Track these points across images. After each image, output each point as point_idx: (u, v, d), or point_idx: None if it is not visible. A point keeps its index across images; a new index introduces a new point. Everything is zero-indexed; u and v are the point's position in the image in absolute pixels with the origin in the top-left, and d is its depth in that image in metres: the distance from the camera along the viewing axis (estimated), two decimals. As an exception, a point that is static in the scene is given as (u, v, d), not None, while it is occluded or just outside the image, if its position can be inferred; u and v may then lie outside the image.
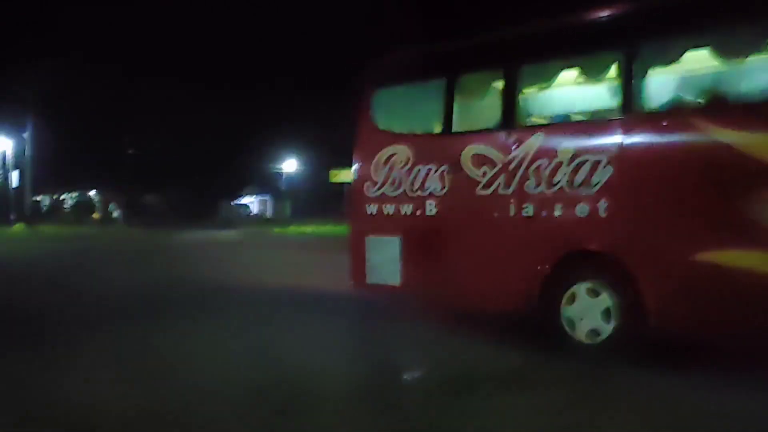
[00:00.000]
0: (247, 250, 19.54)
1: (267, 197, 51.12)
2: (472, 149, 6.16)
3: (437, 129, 6.63)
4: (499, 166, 5.91)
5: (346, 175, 48.04)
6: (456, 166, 6.26)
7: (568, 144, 5.51)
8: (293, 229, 35.03)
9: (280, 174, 49.40)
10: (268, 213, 49.49)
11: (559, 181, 5.52)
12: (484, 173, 6.03)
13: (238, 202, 50.37)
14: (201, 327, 6.72)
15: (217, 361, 5.35)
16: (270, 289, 9.69)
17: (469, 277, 6.20)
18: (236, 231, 32.18)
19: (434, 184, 6.45)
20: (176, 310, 7.78)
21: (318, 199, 45.22)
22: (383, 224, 6.90)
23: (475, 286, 6.17)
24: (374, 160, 6.97)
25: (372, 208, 6.99)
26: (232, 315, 7.53)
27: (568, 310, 5.50)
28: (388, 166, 6.85)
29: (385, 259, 6.85)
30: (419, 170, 6.58)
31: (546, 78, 5.97)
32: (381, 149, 6.94)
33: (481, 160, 6.06)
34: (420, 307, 6.73)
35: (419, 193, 6.57)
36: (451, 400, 4.38)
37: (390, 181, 6.82)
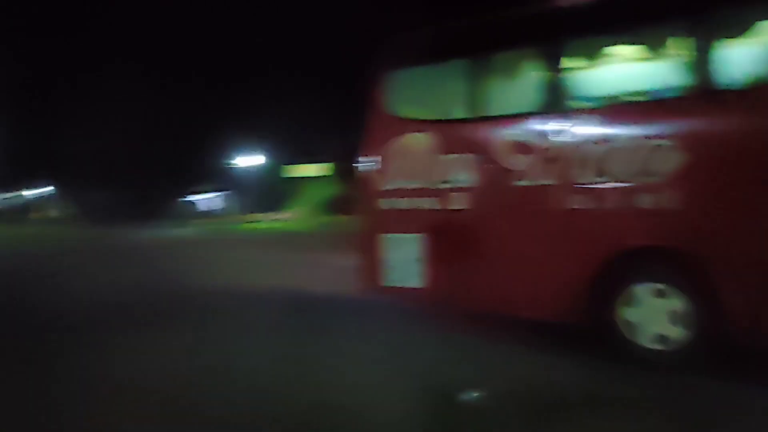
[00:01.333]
0: (210, 249, 18.54)
1: (220, 193, 49.66)
2: (507, 135, 5.52)
3: (464, 114, 5.93)
4: (541, 153, 5.27)
5: (300, 171, 47.30)
6: (488, 155, 5.60)
7: (626, 128, 4.89)
8: (248, 225, 34.07)
9: (234, 169, 48.04)
10: (222, 209, 48.08)
11: (614, 170, 4.93)
12: (523, 162, 5.38)
13: (191, 199, 48.82)
14: (208, 337, 5.91)
15: (248, 378, 4.59)
16: (260, 291, 8.86)
17: (504, 278, 5.57)
18: (191, 228, 30.96)
19: (462, 175, 5.79)
20: (176, 319, 6.92)
21: (272, 195, 44.11)
22: (401, 220, 6.21)
23: (510, 289, 5.55)
24: (389, 150, 6.27)
25: (387, 203, 6.29)
26: (239, 322, 6.72)
27: (627, 314, 4.92)
28: (406, 156, 6.16)
29: (404, 260, 6.17)
30: (444, 160, 5.92)
31: (595, 54, 5.39)
32: (397, 138, 6.25)
33: (518, 147, 5.41)
34: (445, 312, 6.05)
35: (444, 185, 5.90)
36: (535, 426, 3.70)
37: (409, 172, 6.14)
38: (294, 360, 5.10)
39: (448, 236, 5.92)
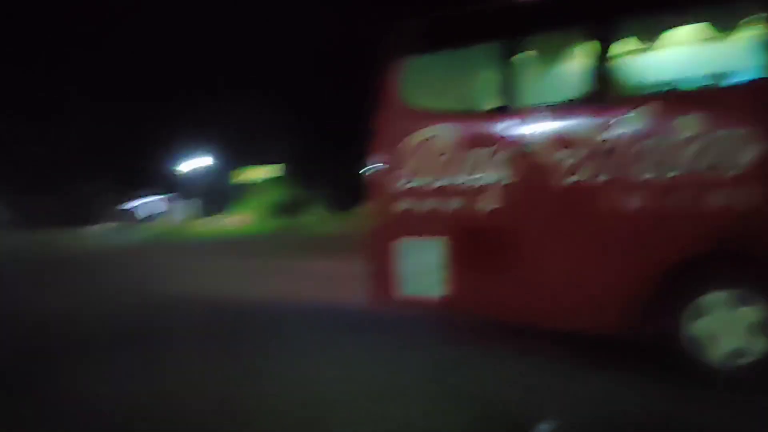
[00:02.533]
0: (165, 256, 17.50)
1: (164, 197, 47.94)
2: (549, 127, 4.88)
3: (496, 104, 5.29)
4: (591, 147, 4.69)
5: (249, 173, 46.03)
6: (526, 150, 4.96)
7: (694, 116, 4.32)
8: (198, 230, 32.88)
9: (180, 173, 46.49)
10: (166, 213, 46.42)
11: (680, 164, 4.37)
12: (568, 157, 4.79)
13: (134, 203, 46.94)
14: (209, 359, 5.12)
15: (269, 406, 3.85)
16: (240, 303, 8.07)
17: (543, 287, 4.98)
18: (135, 234, 29.60)
19: (494, 173, 5.16)
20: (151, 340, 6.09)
21: (221, 198, 42.83)
22: (420, 224, 5.55)
23: (550, 299, 4.95)
24: (405, 146, 5.59)
25: (403, 205, 5.62)
26: (232, 343, 5.94)
27: (695, 326, 4.34)
28: (425, 152, 5.49)
29: (423, 267, 5.51)
30: (472, 155, 5.27)
31: (657, 33, 4.79)
32: (415, 132, 5.59)
33: (562, 140, 4.81)
34: (473, 325, 5.41)
35: (473, 183, 5.24)
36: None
37: (429, 170, 5.48)
38: (320, 395, 4.37)
39: (476, 240, 5.29)
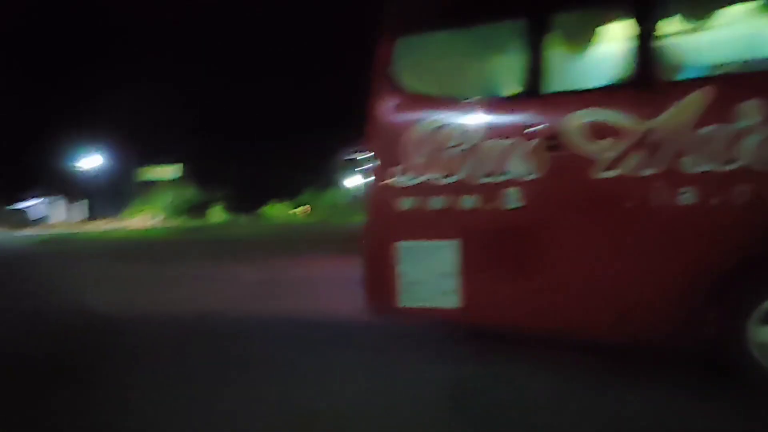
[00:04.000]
0: (65, 263, 15.97)
1: (60, 198, 44.89)
2: (583, 116, 4.37)
3: (518, 89, 4.71)
4: (634, 137, 4.18)
5: (150, 174, 43.88)
6: (556, 140, 4.42)
7: (754, 102, 3.90)
8: (99, 233, 30.86)
9: (78, 172, 43.58)
10: (63, 216, 43.43)
11: (743, 154, 3.90)
12: (607, 148, 4.28)
13: (26, 205, 43.59)
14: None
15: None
16: (179, 317, 7.13)
17: (577, 293, 4.44)
18: (27, 237, 27.36)
19: (517, 166, 4.59)
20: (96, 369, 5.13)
21: (122, 198, 40.50)
22: (425, 225, 4.92)
23: (586, 307, 4.41)
24: (408, 137, 4.94)
25: (406, 203, 4.97)
26: (190, 367, 5.07)
27: (764, 334, 3.92)
28: (432, 145, 4.87)
29: (432, 274, 4.89)
30: (490, 148, 4.68)
31: (709, 10, 4.34)
32: (419, 121, 4.92)
33: (599, 130, 4.30)
34: (486, 337, 4.84)
35: (491, 179, 4.67)
36: None
37: (437, 164, 4.85)
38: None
39: (496, 243, 4.71)
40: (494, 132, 4.69)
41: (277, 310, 7.24)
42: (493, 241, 4.72)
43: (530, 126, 4.57)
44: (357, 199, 51.78)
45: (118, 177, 41.42)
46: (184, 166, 47.60)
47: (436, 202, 4.88)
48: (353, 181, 52.16)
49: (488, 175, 4.70)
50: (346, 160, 50.74)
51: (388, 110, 5.05)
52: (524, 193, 4.59)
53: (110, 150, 41.45)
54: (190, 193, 48.67)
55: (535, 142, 4.53)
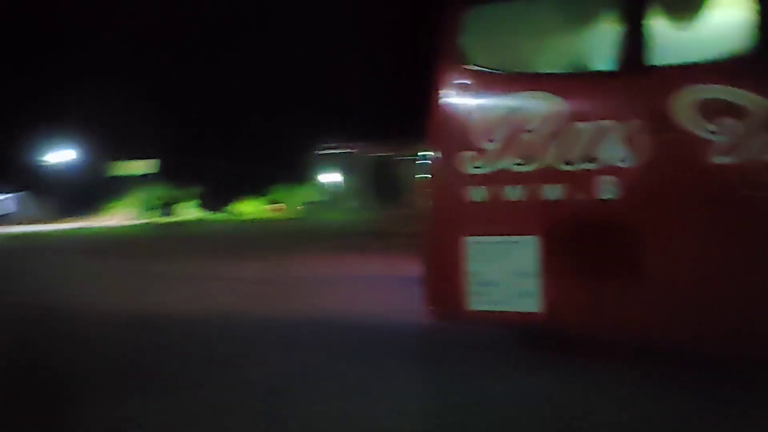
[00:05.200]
0: (50, 261, 15.09)
1: (30, 194, 43.35)
2: (697, 93, 3.81)
3: (612, 64, 4.15)
4: (758, 117, 3.64)
5: (123, 169, 42.64)
6: (661, 121, 3.86)
7: None
8: (72, 229, 29.76)
9: (48, 167, 42.08)
10: (32, 212, 41.95)
11: None
12: (725, 130, 3.71)
13: (-7, 200, 42.05)
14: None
15: None
16: (200, 319, 6.44)
17: (690, 299, 3.88)
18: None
19: (612, 152, 4.02)
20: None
21: (95, 195, 39.23)
22: (502, 218, 4.34)
23: (702, 315, 3.87)
24: (480, 120, 4.33)
25: (477, 194, 4.37)
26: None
27: None
28: (509, 127, 4.26)
29: (508, 273, 4.32)
30: (579, 130, 4.08)
31: None
32: (494, 102, 4.33)
33: (717, 109, 3.74)
34: (578, 345, 4.28)
35: (580, 166, 4.08)
36: None
37: (515, 149, 4.27)
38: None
39: (583, 238, 4.14)
40: (584, 112, 4.11)
41: (299, 312, 6.62)
42: (581, 236, 4.17)
43: (627, 106, 3.98)
44: (332, 195, 51.07)
45: (90, 172, 40.08)
46: (157, 162, 46.48)
47: (513, 193, 4.31)
48: (328, 177, 51.46)
49: (576, 162, 4.13)
50: (320, 155, 50.00)
51: (455, 91, 4.45)
52: (620, 183, 4.04)
53: (81, 144, 40.10)
54: (164, 189, 47.55)
55: (634, 123, 3.96)
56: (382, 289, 8.19)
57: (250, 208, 54.72)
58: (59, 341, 5.53)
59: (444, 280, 4.57)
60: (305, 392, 4.09)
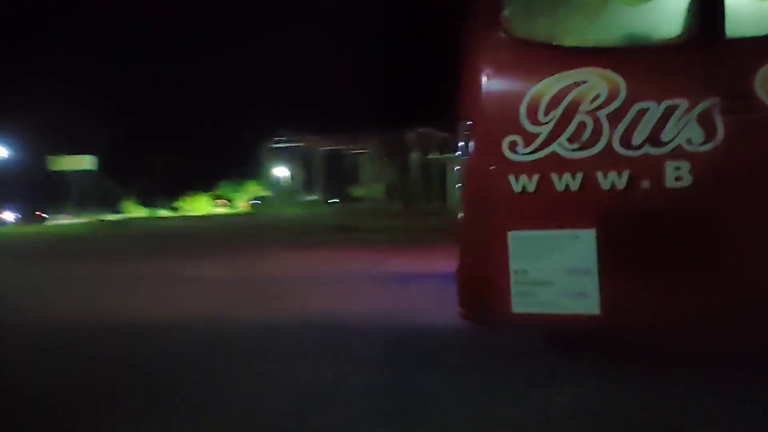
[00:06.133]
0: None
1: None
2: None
3: (681, 34, 3.69)
4: None
5: (69, 164, 40.81)
6: (742, 100, 3.43)
7: None
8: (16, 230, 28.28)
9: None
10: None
11: None
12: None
13: None
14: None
15: None
16: (199, 325, 5.77)
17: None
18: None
19: (684, 134, 3.55)
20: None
21: (31, 191, 37.37)
22: (553, 209, 3.89)
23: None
24: (527, 99, 3.83)
25: (523, 183, 3.87)
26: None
27: None
28: (562, 107, 3.76)
29: (560, 271, 3.83)
30: (643, 110, 3.61)
31: None
32: (543, 78, 3.81)
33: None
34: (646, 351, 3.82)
35: (645, 150, 3.63)
36: None
37: (569, 132, 3.76)
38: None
39: (649, 231, 3.67)
40: (649, 90, 3.63)
41: (291, 314, 6.00)
42: (648, 229, 3.67)
43: (705, 82, 3.53)
44: (283, 189, 50.05)
45: (29, 168, 38.19)
46: (98, 158, 44.78)
47: (567, 181, 3.81)
48: (279, 171, 50.45)
49: (640, 146, 3.67)
50: (270, 149, 48.94)
51: (496, 65, 3.92)
52: (693, 169, 3.56)
53: (19, 141, 38.15)
54: (104, 185, 45.90)
55: (710, 101, 3.50)
56: (364, 287, 7.65)
57: (197, 205, 53.30)
58: (24, 357, 4.78)
59: (483, 280, 4.06)
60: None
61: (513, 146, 3.93)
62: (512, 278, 3.98)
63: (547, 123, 3.87)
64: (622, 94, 3.72)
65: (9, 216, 36.39)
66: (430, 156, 42.41)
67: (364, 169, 45.85)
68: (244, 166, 50.77)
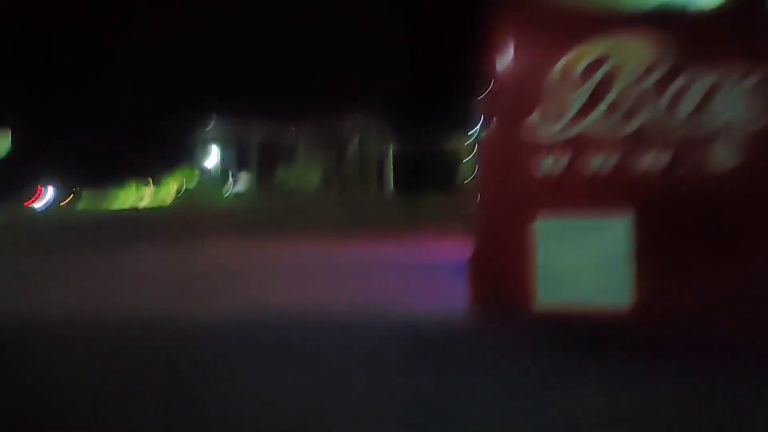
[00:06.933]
0: None
1: None
2: None
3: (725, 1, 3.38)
4: None
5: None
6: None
7: None
8: None
9: None
10: None
11: None
12: None
13: None
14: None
15: None
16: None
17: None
18: None
19: (731, 109, 3.26)
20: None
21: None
22: (584, 193, 3.51)
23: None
24: (555, 72, 3.46)
25: (550, 164, 3.50)
26: None
27: None
28: (595, 80, 3.40)
29: (590, 260, 3.47)
30: (686, 83, 3.28)
31: None
32: (573, 45, 3.46)
33: None
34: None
35: (688, 127, 3.29)
36: None
37: (603, 108, 3.40)
38: None
39: (692, 216, 3.34)
40: (693, 61, 3.29)
41: (254, 311, 5.44)
42: (690, 214, 3.34)
43: (755, 50, 3.21)
44: (213, 178, 48.57)
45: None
46: (7, 140, 42.26)
47: (599, 162, 3.43)
48: (209, 160, 48.95)
49: (682, 123, 3.29)
50: (200, 136, 47.41)
51: (524, 30, 3.52)
52: (742, 147, 3.23)
53: None
54: (22, 170, 43.52)
55: (762, 72, 3.18)
56: (316, 279, 7.13)
57: (120, 194, 51.28)
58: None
59: (501, 271, 3.65)
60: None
61: (540, 124, 3.53)
62: (537, 269, 3.58)
63: (578, 97, 3.47)
64: (665, 64, 3.35)
65: None
66: (370, 143, 41.95)
67: (300, 157, 44.96)
68: (174, 153, 48.81)
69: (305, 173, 44.23)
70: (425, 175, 33.86)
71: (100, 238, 15.01)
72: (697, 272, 3.38)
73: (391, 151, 41.19)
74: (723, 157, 3.29)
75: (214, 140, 48.21)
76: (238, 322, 5.04)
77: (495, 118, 3.61)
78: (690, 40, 3.38)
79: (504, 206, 3.67)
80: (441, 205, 18.78)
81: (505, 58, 3.58)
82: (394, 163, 40.58)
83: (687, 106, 3.33)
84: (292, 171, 45.12)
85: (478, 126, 3.71)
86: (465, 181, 4.26)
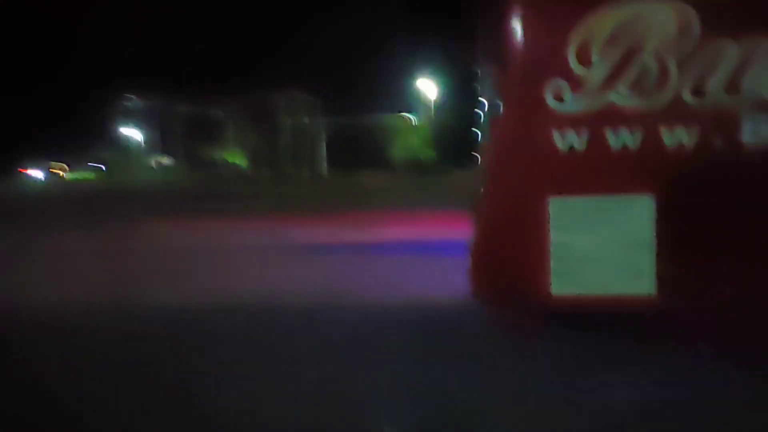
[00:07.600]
0: None
1: None
2: None
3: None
4: None
5: None
6: None
7: None
8: None
9: None
10: None
11: None
12: None
13: None
14: None
15: None
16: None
17: None
18: None
19: (766, 81, 3.01)
20: None
21: None
22: (604, 171, 3.23)
23: None
24: (572, 37, 3.15)
25: (568, 140, 3.20)
26: None
27: None
28: (619, 46, 3.13)
29: (611, 244, 3.20)
30: (718, 50, 3.03)
31: None
32: (594, 9, 3.16)
33: None
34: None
35: (721, 98, 3.05)
36: None
37: (626, 76, 3.12)
38: None
39: (723, 198, 3.11)
40: (725, 26, 3.03)
41: (220, 296, 4.95)
42: (719, 195, 3.09)
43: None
44: (134, 153, 46.62)
45: None
46: None
47: (621, 139, 3.14)
48: (130, 133, 46.89)
49: (713, 95, 3.04)
50: (120, 109, 45.29)
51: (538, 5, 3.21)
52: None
53: None
54: None
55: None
56: (274, 262, 6.67)
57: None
58: None
59: (509, 256, 3.33)
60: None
61: (558, 94, 3.19)
62: (552, 254, 3.27)
63: (601, 66, 3.15)
64: (695, 30, 3.06)
65: None
66: (300, 120, 41.02)
67: (228, 133, 43.62)
68: (93, 127, 46.33)
69: (234, 151, 43.02)
70: (359, 152, 33.51)
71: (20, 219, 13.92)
72: (727, 258, 3.12)
73: (324, 128, 40.53)
74: (755, 134, 3.02)
75: (137, 117, 46.28)
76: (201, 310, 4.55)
77: (507, 91, 3.24)
78: (721, 7, 3.09)
79: (515, 185, 3.32)
80: (376, 182, 18.42)
81: (519, 26, 3.22)
82: (327, 140, 39.99)
83: (717, 79, 3.04)
84: (220, 148, 43.84)
85: (487, 100, 3.34)
86: (474, 159, 3.89)
